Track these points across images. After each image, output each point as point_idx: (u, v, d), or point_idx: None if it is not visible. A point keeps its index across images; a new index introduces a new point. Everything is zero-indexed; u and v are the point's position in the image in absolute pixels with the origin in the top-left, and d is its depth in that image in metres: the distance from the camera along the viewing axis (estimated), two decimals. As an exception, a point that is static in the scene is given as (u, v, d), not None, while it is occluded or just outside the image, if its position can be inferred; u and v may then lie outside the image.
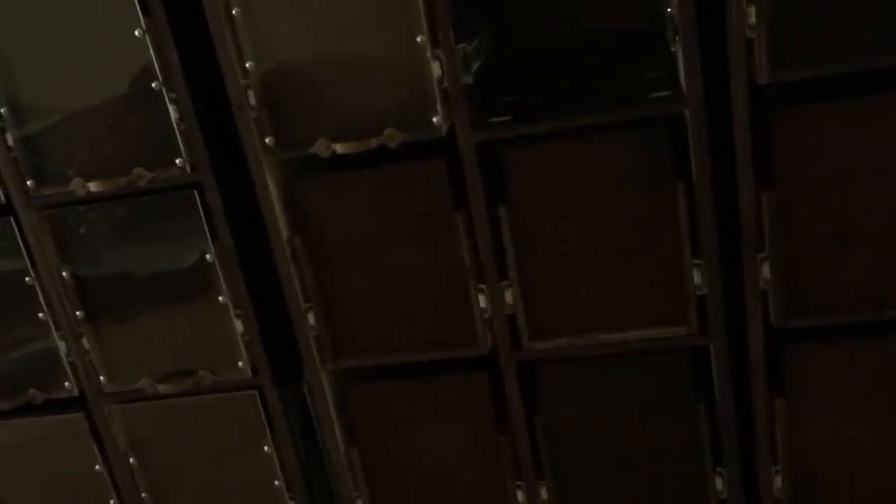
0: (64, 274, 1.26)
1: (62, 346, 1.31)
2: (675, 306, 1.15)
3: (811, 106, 1.02)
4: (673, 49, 1.03)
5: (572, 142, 1.09)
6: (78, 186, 1.19)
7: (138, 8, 1.10)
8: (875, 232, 1.06)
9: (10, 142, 1.20)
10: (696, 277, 1.12)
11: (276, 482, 1.35)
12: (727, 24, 0.99)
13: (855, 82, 1.01)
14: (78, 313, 1.28)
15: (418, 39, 1.05)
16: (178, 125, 1.15)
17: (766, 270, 1.10)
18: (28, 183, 1.21)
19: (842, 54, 0.99)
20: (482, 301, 1.18)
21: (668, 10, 1.00)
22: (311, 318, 1.23)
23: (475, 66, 1.11)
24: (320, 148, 1.12)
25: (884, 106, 1.01)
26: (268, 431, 1.33)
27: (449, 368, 1.25)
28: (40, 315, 1.30)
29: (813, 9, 0.98)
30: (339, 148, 1.11)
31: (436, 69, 1.06)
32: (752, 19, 0.99)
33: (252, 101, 1.12)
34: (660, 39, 1.12)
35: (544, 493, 1.27)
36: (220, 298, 1.25)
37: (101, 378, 1.33)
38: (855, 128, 1.02)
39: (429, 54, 1.06)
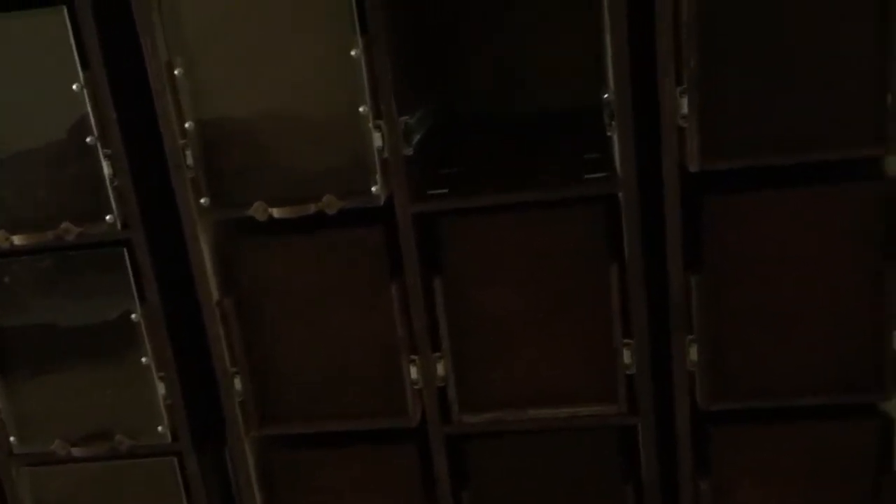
0: (-20, 326, 1.21)
1: (-29, 403, 1.25)
2: (606, 385, 1.15)
3: (739, 194, 1.06)
4: (609, 133, 1.06)
5: (509, 217, 1.11)
6: (2, 239, 1.15)
7: (77, 61, 1.09)
8: (798, 318, 1.09)
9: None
10: (627, 357, 1.14)
11: (192, 553, 1.30)
12: (661, 113, 1.03)
13: (781, 173, 1.05)
14: (-9, 368, 1.23)
15: (361, 109, 1.06)
16: (111, 181, 1.13)
17: (693, 353, 1.12)
18: (-51, 232, 1.17)
19: (770, 147, 1.03)
20: (413, 372, 1.17)
21: (605, 95, 1.03)
22: (237, 384, 1.20)
23: (416, 137, 1.12)
24: (257, 211, 1.11)
25: (807, 198, 1.05)
26: (185, 499, 1.28)
27: (377, 439, 1.23)
28: (-50, 368, 1.24)
29: (743, 102, 1.02)
30: (276, 212, 1.10)
31: (377, 139, 1.07)
32: (685, 109, 1.03)
33: (189, 160, 1.11)
34: (599, 122, 1.15)
35: (469, 571, 1.25)
36: (144, 360, 1.21)
37: (11, 438, 1.26)
38: (780, 217, 1.06)
39: (371, 125, 1.07)
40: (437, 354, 1.16)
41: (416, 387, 1.18)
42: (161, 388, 1.22)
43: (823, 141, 1.02)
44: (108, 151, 1.12)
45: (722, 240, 1.08)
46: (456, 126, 1.31)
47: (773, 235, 1.07)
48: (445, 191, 1.13)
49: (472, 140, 1.34)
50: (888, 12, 0.97)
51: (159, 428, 1.24)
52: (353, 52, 1.04)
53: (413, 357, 1.17)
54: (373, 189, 1.09)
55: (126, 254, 1.17)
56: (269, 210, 1.10)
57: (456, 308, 1.14)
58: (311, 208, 1.09)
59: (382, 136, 1.07)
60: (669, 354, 1.13)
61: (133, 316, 1.19)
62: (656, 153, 1.06)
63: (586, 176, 1.10)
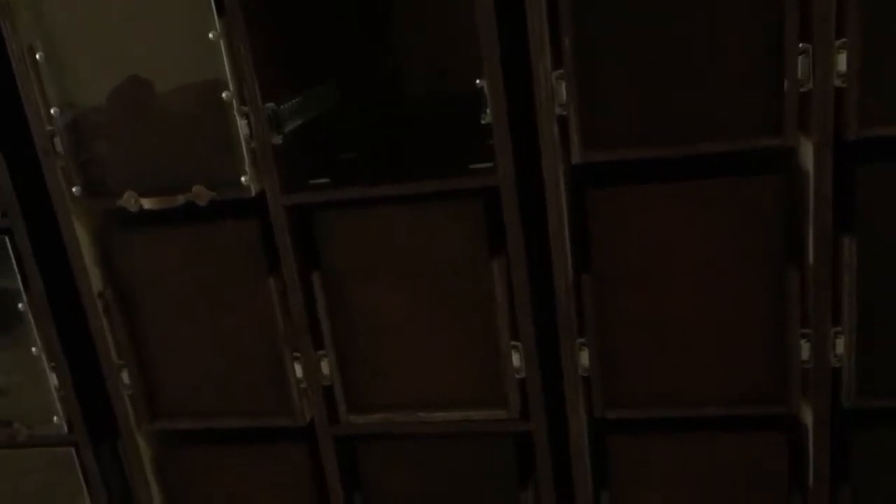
0: None
1: None
2: (496, 389, 1.08)
3: (622, 187, 0.97)
4: (482, 121, 0.98)
5: (387, 210, 1.04)
6: None
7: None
8: (697, 322, 1.01)
9: None
10: (516, 360, 1.07)
11: (93, 544, 1.28)
12: (535, 100, 0.95)
13: (669, 166, 0.96)
14: None
15: (224, 95, 1.00)
16: (-13, 170, 1.11)
17: (584, 357, 1.04)
18: None
19: (658, 137, 0.94)
20: (298, 370, 1.12)
21: (477, 81, 0.95)
22: (125, 377, 1.17)
23: (290, 126, 1.06)
24: (128, 201, 1.06)
25: (697, 191, 0.96)
26: (85, 491, 1.26)
27: (269, 437, 1.18)
28: None
29: (628, 89, 0.93)
30: (147, 203, 1.06)
31: (243, 128, 1.02)
32: (563, 97, 0.94)
33: (59, 148, 1.07)
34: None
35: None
36: (34, 350, 1.19)
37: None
38: (670, 213, 0.97)
39: (236, 112, 1.01)
40: (321, 352, 1.11)
41: (301, 386, 1.13)
42: (53, 379, 1.20)
43: (716, 130, 0.93)
44: (-18, 140, 1.09)
45: (611, 237, 0.99)
46: (333, 116, 1.23)
47: (664, 233, 0.98)
48: (325, 181, 1.07)
49: (349, 130, 1.26)
50: (782, -12, 0.87)
51: (55, 418, 1.22)
52: (210, 35, 0.98)
53: (297, 355, 1.12)
54: (242, 180, 1.03)
55: (8, 242, 1.14)
56: (140, 200, 1.06)
57: (338, 305, 1.08)
58: (181, 199, 1.05)
59: (249, 124, 1.02)
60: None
61: (20, 305, 1.17)
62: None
63: (471, 166, 1.03)
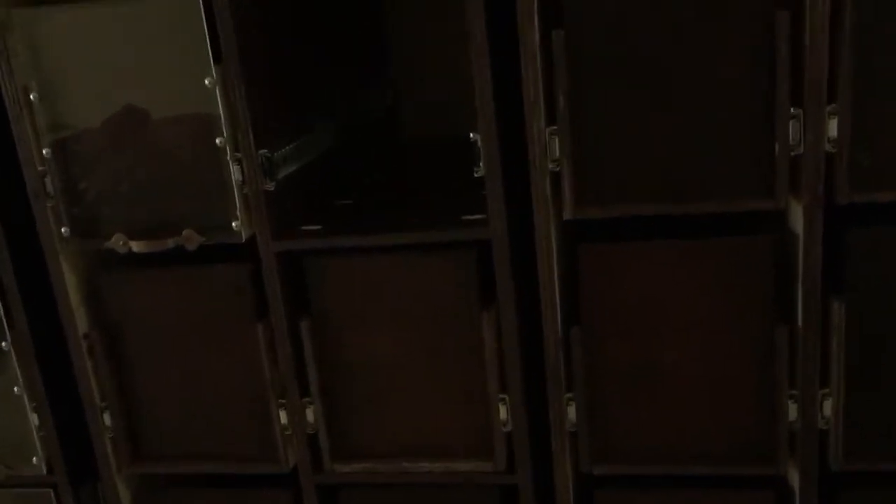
0: None
1: None
2: (482, 441, 1.07)
3: (614, 244, 0.97)
4: (476, 174, 0.98)
5: (378, 258, 1.04)
6: None
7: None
8: (685, 380, 1.00)
9: None
10: (503, 412, 1.06)
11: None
12: (529, 155, 0.95)
13: (660, 224, 0.97)
14: None
15: (217, 141, 1.00)
16: (-25, 207, 1.10)
17: (572, 412, 1.04)
18: None
19: (649, 195, 0.94)
20: (283, 417, 1.11)
21: (471, 135, 0.96)
22: (106, 419, 1.16)
23: (283, 172, 1.06)
24: (116, 243, 1.06)
25: (687, 250, 0.96)
26: (63, 533, 1.24)
27: (252, 483, 1.17)
28: None
29: (620, 146, 0.94)
30: (135, 246, 1.05)
31: (236, 173, 1.02)
32: (557, 153, 0.95)
33: (49, 188, 1.06)
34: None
35: None
36: (16, 389, 1.17)
37: None
38: (660, 270, 0.97)
39: (229, 157, 1.01)
40: (307, 399, 1.10)
41: (286, 433, 1.12)
42: (34, 419, 1.18)
43: (707, 191, 0.93)
44: (-30, 177, 1.09)
45: (601, 292, 0.99)
46: (326, 163, 1.23)
47: (653, 290, 0.98)
48: (318, 227, 1.07)
49: (343, 177, 1.26)
50: (775, 55, 0.88)
51: (34, 459, 1.20)
52: (206, 81, 0.98)
53: (282, 401, 1.11)
54: (233, 225, 1.03)
55: (-7, 281, 1.13)
56: (129, 243, 1.06)
57: (325, 352, 1.08)
58: (170, 243, 1.04)
59: (242, 169, 1.02)
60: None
61: (3, 344, 1.16)
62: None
63: (464, 217, 1.03)
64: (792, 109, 0.89)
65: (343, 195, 1.21)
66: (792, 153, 0.90)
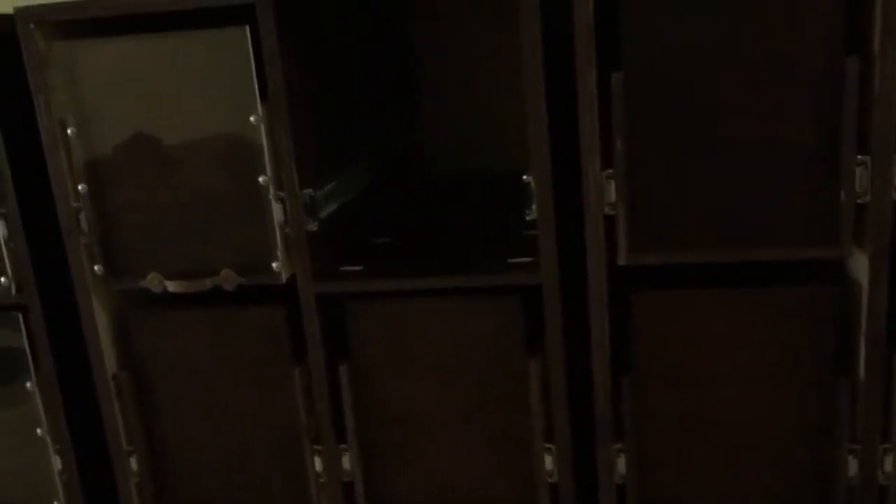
0: None
1: None
2: (525, 492, 1.04)
3: (670, 290, 0.94)
4: (528, 217, 0.95)
5: (421, 302, 1.01)
6: None
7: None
8: (739, 432, 0.97)
9: None
10: (549, 463, 1.02)
11: None
12: (584, 200, 0.92)
13: (714, 271, 0.94)
14: None
15: (260, 180, 0.98)
16: (7, 242, 1.06)
17: (621, 464, 1.00)
18: None
19: (707, 242, 0.92)
20: (318, 464, 1.07)
21: (524, 177, 0.93)
22: (133, 463, 1.12)
23: (326, 212, 1.03)
24: (151, 283, 1.03)
25: (745, 300, 0.93)
26: (81, 581, 1.19)
27: (282, 532, 1.13)
28: None
29: (678, 191, 0.91)
30: (171, 286, 1.02)
31: (278, 213, 0.99)
32: (612, 197, 0.92)
33: (84, 225, 1.03)
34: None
35: None
36: (39, 431, 1.13)
37: None
38: (717, 319, 0.94)
39: (272, 196, 0.98)
40: (343, 446, 1.06)
41: (320, 480, 1.08)
42: (57, 463, 1.14)
43: (768, 238, 0.91)
44: (3, 211, 1.05)
45: (654, 340, 0.96)
46: (369, 204, 1.20)
47: (709, 338, 0.95)
48: (360, 268, 1.04)
49: (385, 219, 1.23)
50: (843, 100, 0.86)
51: (55, 503, 1.16)
52: (252, 118, 0.96)
53: (317, 448, 1.07)
54: (273, 265, 1.00)
55: (21, 319, 1.10)
56: (164, 282, 1.02)
57: (363, 398, 1.04)
58: (208, 284, 1.01)
59: (284, 209, 0.99)
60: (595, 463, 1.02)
61: (28, 385, 1.12)
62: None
63: (510, 260, 1.00)
64: (858, 156, 0.87)
65: (379, 233, 1.18)
66: (858, 201, 0.88)
